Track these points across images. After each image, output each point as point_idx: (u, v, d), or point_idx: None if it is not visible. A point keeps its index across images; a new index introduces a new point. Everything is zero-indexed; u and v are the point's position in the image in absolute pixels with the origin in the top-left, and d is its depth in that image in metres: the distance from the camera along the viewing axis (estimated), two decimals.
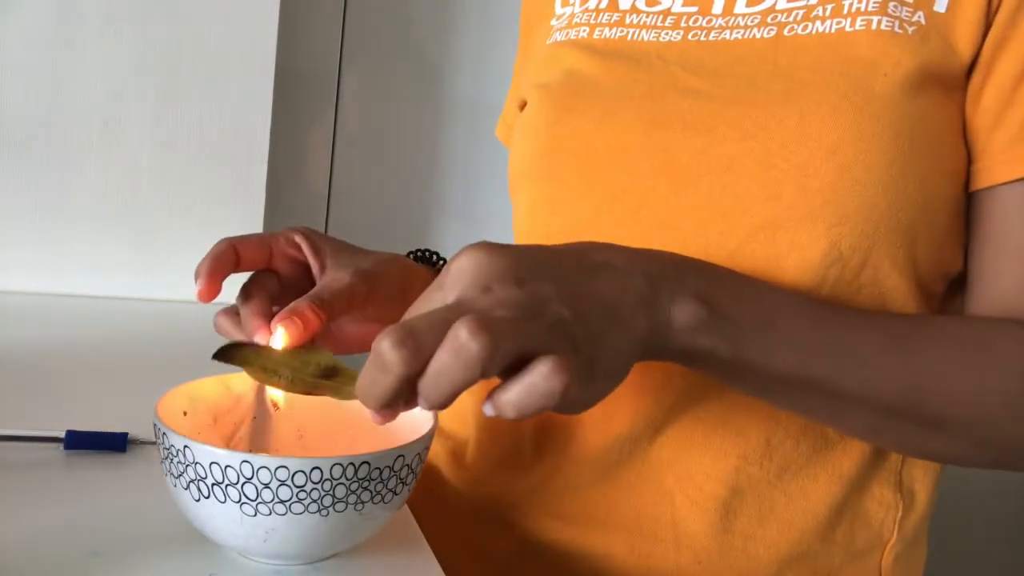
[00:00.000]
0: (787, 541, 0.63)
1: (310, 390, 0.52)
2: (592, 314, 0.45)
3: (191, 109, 1.02)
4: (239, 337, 0.59)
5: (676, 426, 0.63)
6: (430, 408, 0.42)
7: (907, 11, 0.60)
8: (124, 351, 0.87)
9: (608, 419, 0.63)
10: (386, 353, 0.40)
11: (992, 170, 0.60)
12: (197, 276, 0.58)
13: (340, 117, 1.28)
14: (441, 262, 0.75)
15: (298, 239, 0.63)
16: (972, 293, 0.62)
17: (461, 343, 0.39)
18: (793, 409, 0.59)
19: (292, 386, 0.52)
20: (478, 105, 1.32)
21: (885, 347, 0.55)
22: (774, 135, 0.60)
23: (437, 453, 0.76)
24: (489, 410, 0.42)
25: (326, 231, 1.24)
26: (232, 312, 0.60)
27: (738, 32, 0.64)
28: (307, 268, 0.63)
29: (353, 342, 0.66)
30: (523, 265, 0.45)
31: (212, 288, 0.58)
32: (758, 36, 0.64)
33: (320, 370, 0.52)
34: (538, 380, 0.41)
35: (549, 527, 0.67)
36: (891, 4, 0.60)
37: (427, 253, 0.75)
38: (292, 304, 0.56)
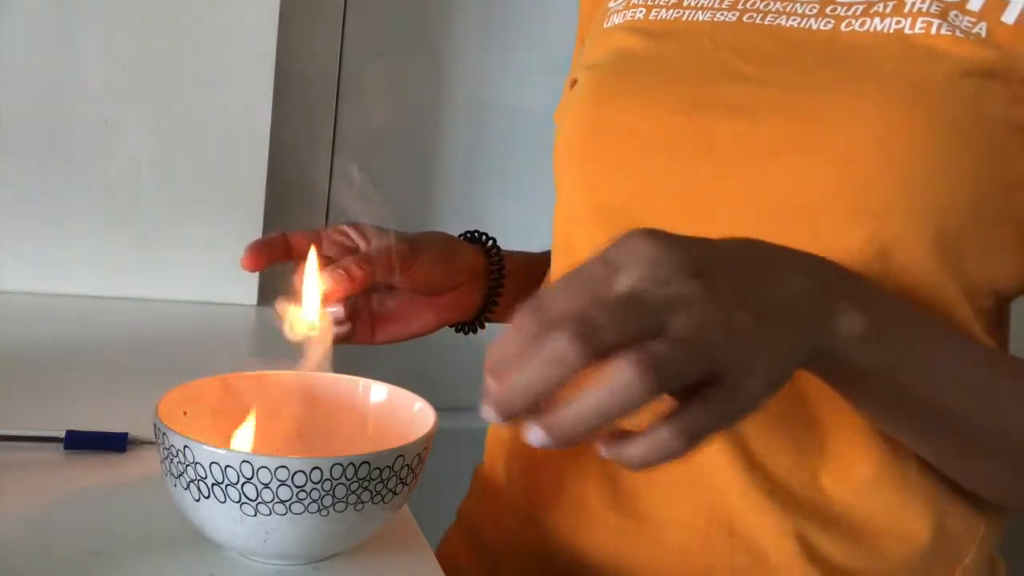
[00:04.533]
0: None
1: None
2: (769, 316, 0.43)
3: (191, 109, 1.02)
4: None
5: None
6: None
7: (968, 21, 0.58)
8: (124, 351, 0.87)
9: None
10: (564, 344, 0.38)
11: None
12: (247, 249, 0.64)
13: (340, 116, 1.27)
14: (491, 242, 0.77)
15: (346, 227, 0.69)
16: None
17: (625, 382, 0.38)
18: (915, 441, 0.57)
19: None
20: (479, 105, 1.32)
21: (1015, 386, 0.54)
22: (819, 120, 0.58)
23: (496, 465, 0.74)
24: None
25: None
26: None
27: (794, 20, 0.63)
28: (355, 252, 0.68)
29: (396, 322, 0.71)
30: (699, 258, 0.42)
31: (257, 259, 0.64)
32: (814, 27, 0.62)
33: None
34: (700, 415, 0.40)
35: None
36: (952, 12, 0.58)
37: (477, 234, 0.78)
38: (337, 262, 0.62)
